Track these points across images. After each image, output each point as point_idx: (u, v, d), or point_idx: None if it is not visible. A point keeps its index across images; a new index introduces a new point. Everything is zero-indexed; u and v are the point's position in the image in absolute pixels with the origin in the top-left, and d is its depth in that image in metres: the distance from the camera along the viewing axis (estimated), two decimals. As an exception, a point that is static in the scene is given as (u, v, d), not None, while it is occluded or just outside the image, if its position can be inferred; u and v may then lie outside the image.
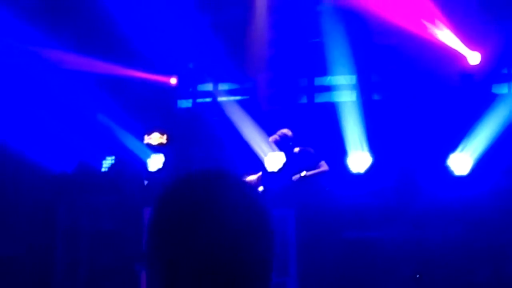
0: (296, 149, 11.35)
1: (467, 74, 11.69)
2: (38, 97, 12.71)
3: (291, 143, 11.25)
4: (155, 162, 13.13)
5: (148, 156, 13.17)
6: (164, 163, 13.07)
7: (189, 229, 1.65)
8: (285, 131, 11.27)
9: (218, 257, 1.64)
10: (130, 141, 13.17)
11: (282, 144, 11.26)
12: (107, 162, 13.46)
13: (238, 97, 13.68)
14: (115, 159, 13.42)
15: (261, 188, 11.57)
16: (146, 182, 13.00)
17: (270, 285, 1.73)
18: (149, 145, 13.32)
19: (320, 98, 13.25)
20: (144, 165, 13.08)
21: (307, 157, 11.29)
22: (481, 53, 11.64)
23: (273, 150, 12.19)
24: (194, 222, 1.65)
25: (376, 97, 12.89)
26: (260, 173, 11.22)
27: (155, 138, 13.38)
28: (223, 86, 14.06)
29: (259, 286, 1.71)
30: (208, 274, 1.64)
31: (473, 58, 11.67)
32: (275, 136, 11.37)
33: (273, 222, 1.74)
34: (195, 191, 1.71)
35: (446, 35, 11.78)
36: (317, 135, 11.92)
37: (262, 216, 1.74)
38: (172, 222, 1.69)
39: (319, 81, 13.36)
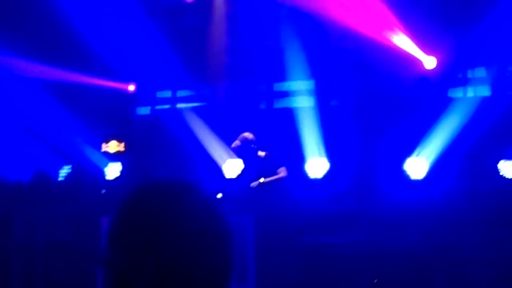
0: (261, 153, 11.37)
1: (423, 79, 11.79)
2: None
3: (253, 145, 11.25)
4: (112, 171, 13.02)
5: (106, 165, 13.06)
6: (122, 172, 12.97)
7: (147, 239, 1.63)
8: (246, 134, 11.28)
9: (176, 266, 1.62)
10: (87, 150, 13.04)
11: (244, 149, 11.25)
12: (64, 171, 13.31)
13: (197, 104, 13.64)
14: (72, 168, 13.27)
15: (219, 195, 11.53)
16: (103, 191, 12.87)
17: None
18: (106, 154, 13.20)
19: (279, 104, 13.25)
20: (101, 173, 12.96)
21: (268, 162, 11.31)
22: (437, 58, 11.75)
23: (232, 157, 12.18)
24: (152, 232, 1.64)
25: (334, 102, 12.92)
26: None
27: (113, 146, 13.27)
28: (182, 93, 14.00)
29: None
30: (166, 284, 1.62)
31: (429, 62, 11.78)
32: (236, 142, 11.36)
33: (231, 231, 1.74)
34: (154, 201, 1.70)
35: (402, 40, 11.87)
36: (276, 140, 11.91)
37: (221, 225, 1.72)
38: (130, 232, 1.67)
39: (278, 86, 13.37)
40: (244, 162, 11.39)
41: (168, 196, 1.71)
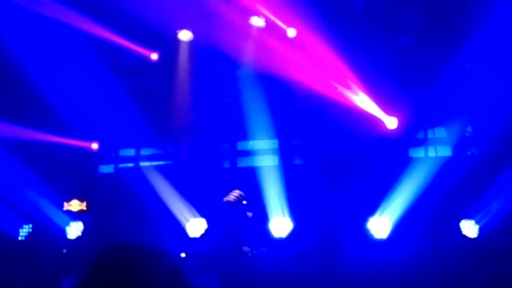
0: (249, 214, 11.35)
1: (385, 138, 11.91)
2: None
3: (244, 202, 11.23)
4: (74, 230, 12.84)
5: (68, 224, 12.87)
6: (84, 231, 12.79)
7: None
8: (240, 192, 11.28)
9: None
10: (48, 209, 12.85)
11: (236, 204, 11.23)
12: (24, 230, 13.08)
13: (160, 162, 13.58)
14: (33, 227, 13.05)
15: (183, 255, 11.44)
16: (65, 251, 12.67)
17: None
18: (68, 212, 13.03)
19: (243, 163, 13.26)
20: (63, 233, 12.77)
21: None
22: (398, 118, 11.91)
23: (195, 216, 12.13)
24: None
25: (297, 161, 12.97)
26: None
27: (75, 205, 13.11)
28: (145, 151, 13.93)
29: None
30: None
31: (391, 122, 11.93)
32: (231, 197, 11.33)
33: None
34: (120, 264, 1.71)
35: (364, 101, 12.04)
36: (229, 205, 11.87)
37: (185, 286, 1.76)
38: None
39: (241, 145, 13.40)
40: (233, 218, 11.34)
41: (133, 260, 1.72)
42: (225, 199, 11.32)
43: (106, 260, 1.75)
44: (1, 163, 12.79)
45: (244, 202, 11.24)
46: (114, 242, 1.79)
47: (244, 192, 11.33)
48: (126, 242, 1.82)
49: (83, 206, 13.17)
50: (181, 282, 1.75)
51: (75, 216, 13.02)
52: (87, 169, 13.83)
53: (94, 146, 13.76)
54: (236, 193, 11.34)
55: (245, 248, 11.08)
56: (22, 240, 13.06)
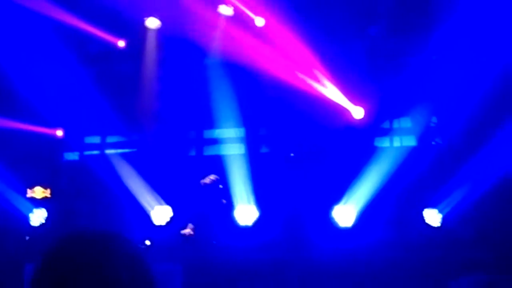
0: (224, 201, 11.34)
1: (351, 128, 11.94)
2: None
3: (220, 186, 11.20)
4: (37, 217, 12.70)
5: (31, 211, 12.74)
6: (47, 218, 12.66)
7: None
8: (216, 176, 11.26)
9: None
10: (12, 195, 12.69)
11: (212, 187, 11.18)
12: (-14, 218, 12.93)
13: (126, 150, 13.47)
14: (-5, 214, 12.90)
15: (148, 242, 11.36)
16: (27, 238, 12.52)
17: None
18: (32, 199, 12.89)
19: (209, 151, 13.20)
20: (26, 220, 12.63)
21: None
22: (364, 108, 11.94)
23: (161, 204, 12.06)
24: (76, 283, 1.63)
25: (264, 149, 12.95)
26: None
27: (39, 192, 12.98)
28: (111, 139, 13.81)
29: None
30: None
31: (357, 112, 11.97)
32: (207, 180, 11.27)
33: (154, 278, 1.76)
34: (78, 252, 1.68)
35: (331, 90, 12.06)
36: (206, 187, 11.84)
37: (145, 273, 1.73)
38: (53, 283, 1.64)
39: (208, 133, 13.34)
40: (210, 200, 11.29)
41: (92, 247, 1.69)
42: (201, 181, 11.27)
43: (60, 249, 1.72)
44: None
45: (220, 186, 11.22)
46: (77, 230, 1.79)
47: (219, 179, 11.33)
48: (86, 229, 1.80)
49: (47, 193, 13.05)
50: (140, 268, 1.74)
51: (38, 203, 12.90)
52: (52, 156, 13.68)
53: (59, 133, 13.61)
54: (212, 176, 11.30)
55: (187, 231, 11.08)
56: (-17, 228, 12.91)
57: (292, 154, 10.90)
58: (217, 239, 11.42)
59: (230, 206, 11.70)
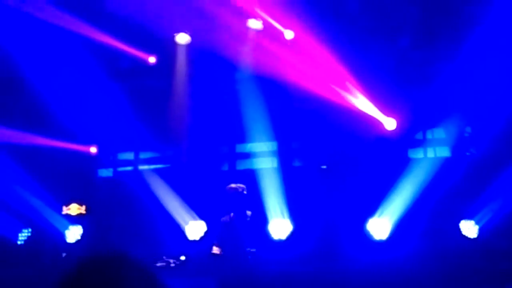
0: (249, 213, 11.28)
1: (384, 139, 11.86)
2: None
3: (245, 192, 11.15)
4: (73, 234, 12.81)
5: (67, 228, 12.84)
6: (83, 235, 12.75)
7: None
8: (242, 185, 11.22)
9: None
10: (47, 213, 12.82)
11: (237, 197, 11.11)
12: (23, 235, 13.06)
13: (159, 166, 13.52)
14: (32, 231, 13.03)
15: (183, 258, 11.38)
16: (64, 254, 12.61)
17: None
18: (67, 216, 13.00)
19: (242, 165, 13.20)
20: (62, 237, 12.74)
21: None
22: (396, 119, 11.86)
23: (194, 220, 12.07)
24: None
25: (296, 163, 12.91)
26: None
27: (74, 209, 13.09)
28: (144, 155, 13.88)
29: None
30: None
31: (389, 124, 11.88)
32: (235, 186, 11.22)
33: None
34: (91, 276, 1.73)
35: (362, 102, 12.00)
36: (239, 202, 11.81)
37: None
38: None
39: (240, 148, 13.34)
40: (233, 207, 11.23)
41: (103, 271, 1.74)
42: (227, 186, 11.22)
43: (74, 276, 1.78)
44: (1, 168, 12.76)
45: (245, 192, 11.15)
46: (111, 246, 1.81)
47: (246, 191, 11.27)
48: (94, 254, 1.85)
49: (82, 210, 13.15)
50: (154, 284, 1.79)
51: (74, 220, 13.01)
52: (86, 173, 13.78)
53: (93, 150, 13.71)
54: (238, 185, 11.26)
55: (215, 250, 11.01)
56: (21, 245, 13.03)
57: (324, 167, 10.82)
58: (252, 253, 11.36)
59: (264, 219, 11.68)
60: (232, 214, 11.01)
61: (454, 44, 11.19)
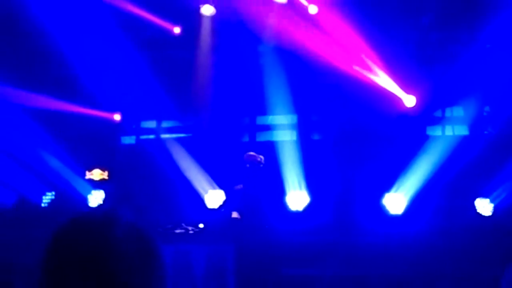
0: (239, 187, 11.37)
1: (403, 116, 11.92)
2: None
3: (262, 165, 11.24)
4: (95, 198, 12.99)
5: (89, 192, 13.02)
6: (105, 199, 12.93)
7: (79, 269, 1.65)
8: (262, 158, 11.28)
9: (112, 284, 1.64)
10: (71, 177, 13.00)
11: (254, 166, 11.19)
12: (47, 198, 13.24)
13: (181, 135, 13.65)
14: (55, 195, 13.21)
15: (201, 225, 11.52)
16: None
17: None
18: (90, 181, 13.17)
19: (261, 137, 13.30)
20: (84, 201, 12.92)
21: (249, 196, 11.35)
22: (416, 97, 11.90)
23: (213, 188, 12.21)
24: (87, 261, 1.65)
25: (315, 136, 13.00)
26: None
27: (97, 174, 13.25)
28: (166, 124, 14.00)
29: None
30: None
31: (409, 101, 11.94)
32: (254, 155, 11.28)
33: (159, 250, 1.75)
34: (87, 232, 1.70)
35: (383, 78, 12.04)
36: (258, 173, 11.92)
37: (148, 245, 1.74)
38: (63, 264, 1.67)
39: (260, 120, 13.43)
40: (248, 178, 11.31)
41: (102, 228, 1.70)
42: (246, 153, 11.27)
43: (60, 235, 1.73)
44: (26, 132, 12.94)
45: (262, 163, 11.21)
46: (133, 212, 1.82)
47: (263, 164, 11.35)
48: (95, 210, 1.81)
49: (104, 175, 13.31)
50: (144, 242, 1.75)
51: (96, 184, 13.17)
52: (110, 140, 13.93)
53: (117, 117, 13.85)
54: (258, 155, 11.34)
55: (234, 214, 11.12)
56: (45, 207, 13.22)
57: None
58: (269, 222, 11.51)
59: (282, 191, 11.80)
60: (241, 185, 11.19)
61: (476, 25, 11.18)
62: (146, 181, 13.08)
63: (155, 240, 1.77)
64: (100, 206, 12.78)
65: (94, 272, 1.64)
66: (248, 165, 11.02)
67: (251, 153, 11.23)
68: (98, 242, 1.68)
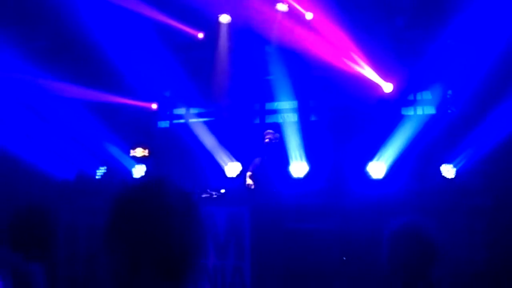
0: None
1: (382, 100, 11.94)
2: (47, 122, 12.78)
3: (277, 141, 11.22)
4: (138, 171, 13.16)
5: (133, 166, 13.20)
6: (146, 172, 13.11)
7: (142, 223, 1.69)
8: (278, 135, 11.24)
9: (165, 241, 1.68)
10: (119, 154, 13.19)
11: (271, 142, 11.16)
12: (100, 171, 13.46)
13: (205, 119, 13.79)
14: (107, 169, 13.42)
15: (223, 191, 11.63)
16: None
17: (200, 260, 1.77)
18: (134, 158, 13.36)
19: (270, 119, 13.41)
20: (130, 173, 13.11)
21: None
22: (393, 83, 11.92)
23: (232, 161, 12.34)
24: (145, 218, 1.69)
25: (313, 118, 13.08)
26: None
27: (139, 152, 13.41)
28: (193, 110, 14.15)
29: (194, 261, 1.75)
30: (160, 254, 1.68)
31: (387, 87, 11.95)
32: (272, 133, 11.25)
33: (202, 216, 1.76)
34: (144, 194, 1.75)
35: (366, 70, 12.05)
36: (267, 148, 12.03)
37: (194, 212, 1.78)
38: (128, 218, 1.71)
39: (269, 105, 13.52)
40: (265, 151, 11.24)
41: (156, 191, 1.75)
42: (266, 131, 11.19)
43: (133, 191, 1.76)
44: (83, 120, 13.15)
45: (277, 139, 11.14)
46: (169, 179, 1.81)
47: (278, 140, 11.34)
48: (149, 177, 1.84)
49: (145, 152, 13.46)
50: (190, 204, 1.76)
51: (139, 160, 13.34)
52: (149, 124, 14.11)
53: (154, 106, 14.03)
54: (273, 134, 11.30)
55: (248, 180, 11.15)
56: (98, 179, 13.46)
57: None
58: (276, 188, 11.61)
59: (286, 162, 11.88)
60: (259, 159, 11.25)
61: (440, 25, 11.16)
62: (178, 157, 13.23)
63: (197, 200, 1.82)
64: (149, 175, 12.95)
65: (154, 226, 1.67)
66: (267, 140, 11.07)
67: (270, 131, 11.32)
68: (155, 201, 1.71)
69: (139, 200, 1.74)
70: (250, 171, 11.06)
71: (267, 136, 11.14)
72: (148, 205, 1.72)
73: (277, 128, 12.53)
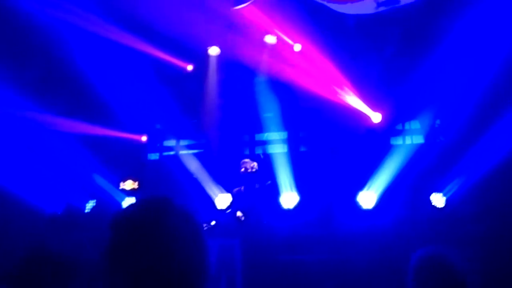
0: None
1: (371, 130, 11.95)
2: (35, 155, 12.66)
3: (255, 171, 11.16)
4: (128, 204, 13.00)
5: (123, 199, 13.08)
6: (136, 204, 12.95)
7: (144, 245, 1.66)
8: (255, 165, 11.21)
9: (167, 266, 1.64)
10: (108, 187, 13.07)
11: (247, 171, 11.14)
12: (90, 205, 13.31)
13: (195, 151, 13.73)
14: (96, 202, 13.28)
15: (213, 222, 11.52)
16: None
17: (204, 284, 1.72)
18: (123, 190, 13.24)
19: (259, 150, 13.36)
20: (120, 206, 12.96)
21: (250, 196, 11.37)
22: (381, 113, 11.94)
23: (222, 192, 12.24)
24: (147, 241, 1.67)
25: (302, 148, 13.06)
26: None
27: (129, 184, 13.29)
28: (183, 142, 14.09)
29: (198, 285, 1.70)
30: (162, 279, 1.64)
31: (375, 117, 11.97)
32: (247, 163, 11.21)
33: (206, 241, 1.74)
34: (146, 215, 1.74)
35: (354, 100, 12.09)
36: (256, 179, 11.96)
37: (199, 236, 1.76)
38: (130, 241, 1.69)
39: (258, 136, 13.49)
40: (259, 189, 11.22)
41: (159, 212, 1.75)
42: (242, 161, 11.19)
43: (134, 211, 1.76)
44: (73, 153, 13.04)
45: (255, 164, 11.15)
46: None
47: (259, 172, 11.34)
48: (152, 196, 1.83)
49: (135, 185, 13.33)
50: (193, 224, 1.76)
51: (129, 193, 13.20)
52: (138, 156, 14.01)
53: (144, 138, 13.96)
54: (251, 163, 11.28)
55: (239, 213, 11.09)
56: (88, 212, 13.29)
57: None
58: (266, 219, 11.55)
59: (276, 193, 11.81)
60: (243, 187, 11.20)
61: (426, 55, 11.25)
62: (168, 189, 13.12)
63: (199, 220, 1.82)
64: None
65: (157, 244, 1.64)
66: (242, 170, 11.05)
67: (246, 160, 11.27)
68: (159, 220, 1.70)
69: (140, 221, 1.74)
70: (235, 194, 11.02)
71: (243, 165, 11.11)
72: (150, 226, 1.71)
73: (267, 158, 12.51)
